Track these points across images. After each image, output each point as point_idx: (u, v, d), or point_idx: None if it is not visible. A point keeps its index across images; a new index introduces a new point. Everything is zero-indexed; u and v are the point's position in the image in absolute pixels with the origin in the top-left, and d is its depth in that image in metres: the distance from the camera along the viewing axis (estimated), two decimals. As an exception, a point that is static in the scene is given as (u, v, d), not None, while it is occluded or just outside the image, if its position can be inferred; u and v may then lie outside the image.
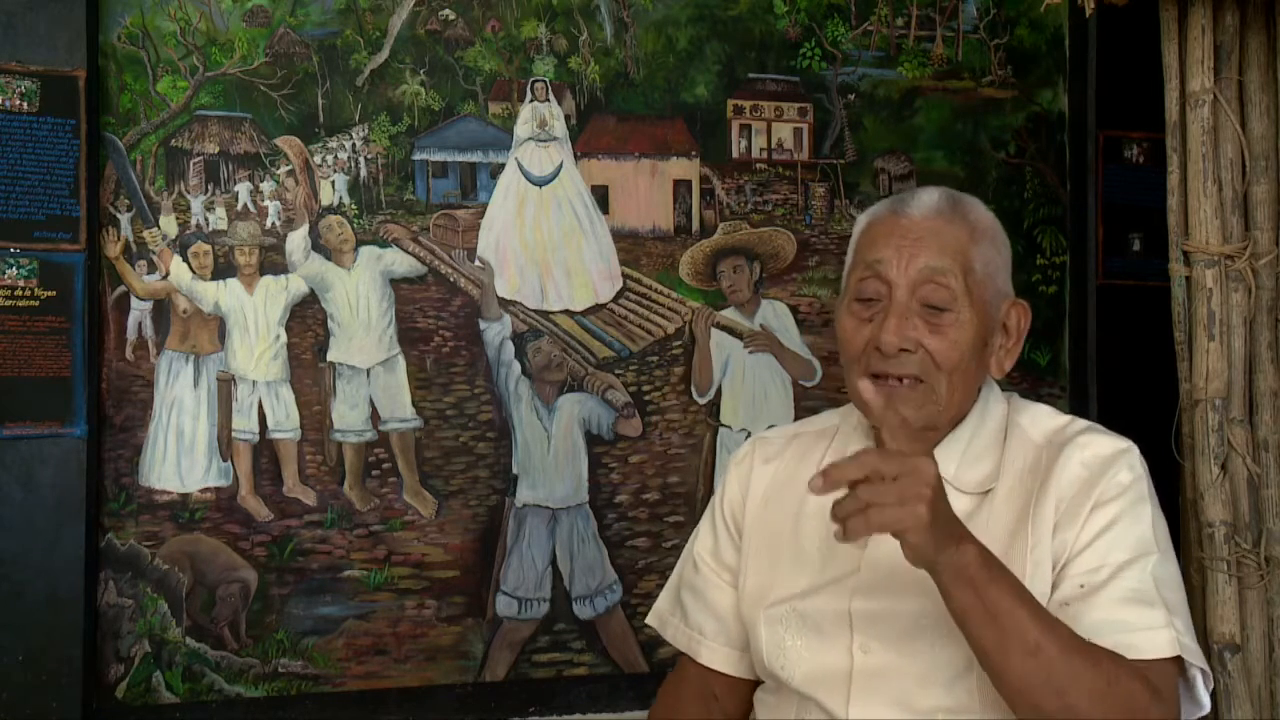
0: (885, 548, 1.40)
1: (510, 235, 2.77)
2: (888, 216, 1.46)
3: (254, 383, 2.64)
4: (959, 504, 1.41)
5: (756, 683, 1.57)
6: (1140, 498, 1.38)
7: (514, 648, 2.75)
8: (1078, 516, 1.36)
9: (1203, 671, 1.35)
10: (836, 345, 1.50)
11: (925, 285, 1.39)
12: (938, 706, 1.35)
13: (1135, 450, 1.42)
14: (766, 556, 1.51)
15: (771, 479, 1.56)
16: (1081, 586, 1.33)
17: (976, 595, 1.22)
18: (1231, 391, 2.16)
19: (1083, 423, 1.47)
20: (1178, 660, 1.32)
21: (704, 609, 1.57)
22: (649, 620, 1.65)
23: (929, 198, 1.45)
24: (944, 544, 1.19)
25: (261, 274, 2.64)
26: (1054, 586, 1.35)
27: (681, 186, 2.87)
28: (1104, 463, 1.39)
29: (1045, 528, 1.37)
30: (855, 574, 1.42)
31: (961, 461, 1.43)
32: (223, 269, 2.63)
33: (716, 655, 1.57)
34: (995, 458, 1.44)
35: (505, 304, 2.76)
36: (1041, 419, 1.48)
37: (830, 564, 1.45)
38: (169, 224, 2.59)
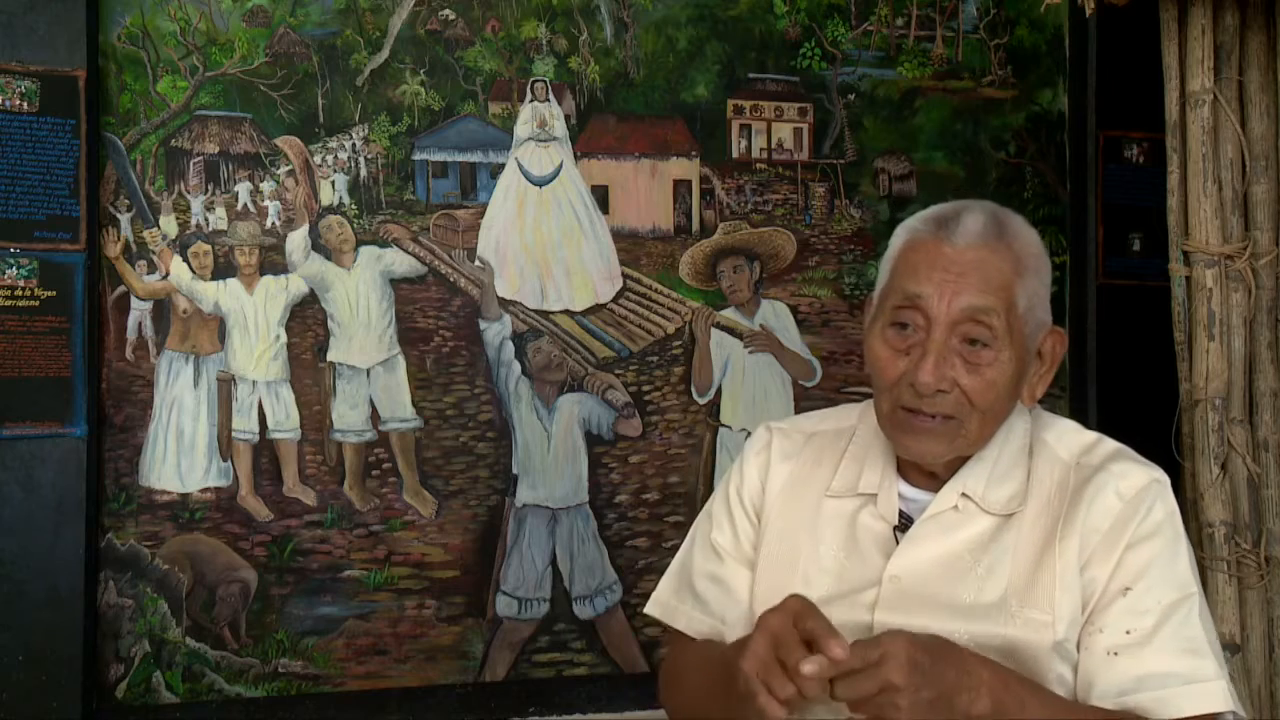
0: (908, 565, 1.39)
1: (510, 235, 2.77)
2: (930, 242, 1.39)
3: (254, 383, 2.64)
4: (985, 525, 1.39)
5: None
6: (1176, 534, 1.37)
7: (514, 648, 2.75)
8: (1111, 553, 1.35)
9: (1235, 715, 1.35)
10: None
11: (966, 323, 1.35)
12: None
13: (1167, 481, 1.40)
14: (780, 555, 1.49)
15: (789, 477, 1.53)
16: (1128, 633, 1.32)
17: None
18: (1231, 391, 2.16)
19: (1112, 444, 1.45)
20: None
21: (728, 596, 1.53)
22: (650, 610, 1.60)
23: (974, 224, 1.38)
24: (942, 714, 1.20)
25: (261, 274, 2.64)
26: (1091, 622, 1.34)
27: (681, 186, 2.87)
28: (1138, 495, 1.37)
29: (1073, 553, 1.36)
30: (877, 586, 1.40)
31: (989, 481, 1.41)
32: (223, 269, 2.63)
33: None
34: (1021, 477, 1.42)
35: (505, 304, 2.76)
36: (1068, 436, 1.46)
37: (849, 575, 1.43)
38: (169, 224, 2.59)
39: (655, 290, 2.85)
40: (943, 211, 1.42)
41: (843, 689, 1.18)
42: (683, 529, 2.75)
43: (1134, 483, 1.38)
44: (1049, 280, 1.45)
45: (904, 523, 1.43)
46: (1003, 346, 1.36)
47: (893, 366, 1.39)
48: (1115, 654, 1.32)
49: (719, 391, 2.89)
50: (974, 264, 1.37)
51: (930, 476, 1.44)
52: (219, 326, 2.63)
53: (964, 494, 1.41)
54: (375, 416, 2.70)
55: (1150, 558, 1.34)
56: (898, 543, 1.41)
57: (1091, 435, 1.46)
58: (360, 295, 2.69)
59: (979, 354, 1.36)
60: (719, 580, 1.54)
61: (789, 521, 1.50)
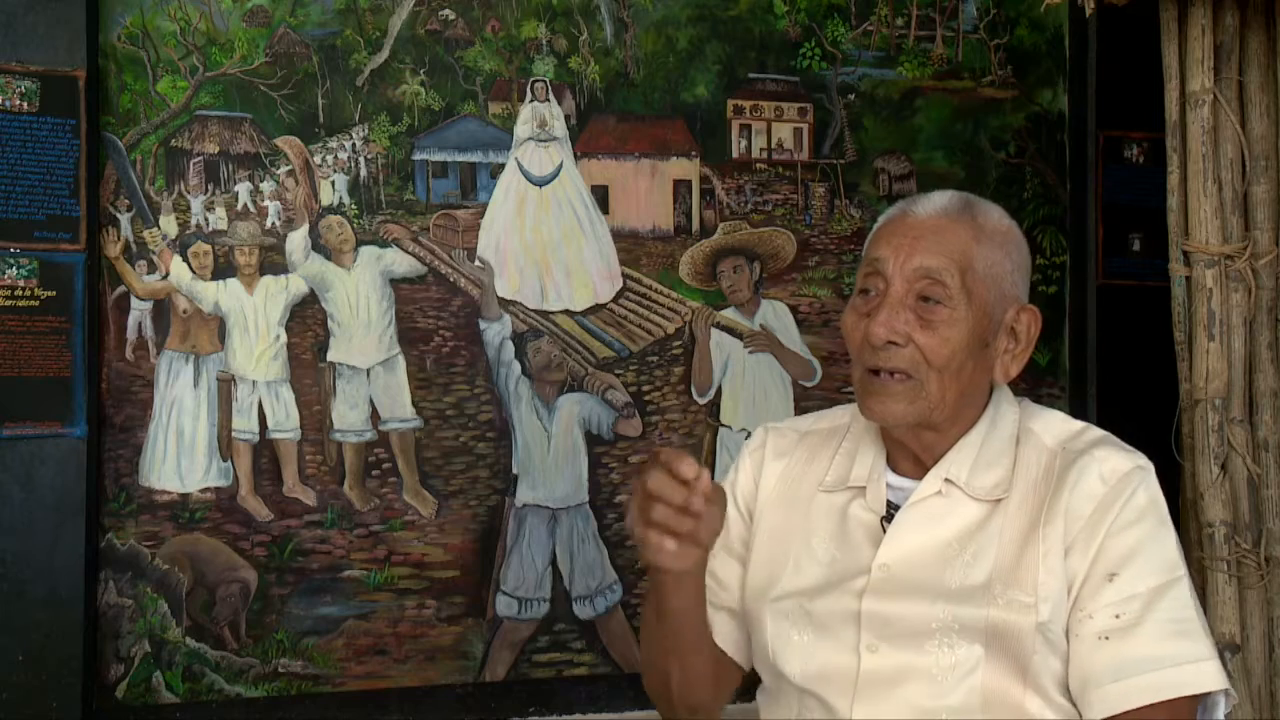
0: (897, 553, 1.41)
1: (510, 235, 2.77)
2: (897, 215, 1.46)
3: (254, 383, 2.64)
4: (972, 511, 1.41)
5: (741, 676, 1.57)
6: (1161, 519, 1.38)
7: (514, 648, 2.75)
8: (1094, 538, 1.36)
9: (1227, 693, 1.36)
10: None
11: (920, 282, 1.40)
12: (942, 706, 1.35)
13: (1150, 468, 1.42)
14: (773, 550, 1.52)
15: (782, 474, 1.57)
16: (1118, 617, 1.33)
17: None
18: (1231, 391, 2.16)
19: (1097, 432, 1.46)
20: None
21: (717, 587, 1.57)
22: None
23: (941, 198, 1.45)
24: None
25: (261, 274, 2.64)
26: (1079, 608, 1.35)
27: (681, 186, 2.87)
28: (1121, 481, 1.38)
29: (1057, 537, 1.37)
30: (866, 575, 1.42)
31: (974, 467, 1.43)
32: (223, 269, 2.63)
33: (726, 636, 1.58)
34: (1008, 464, 1.44)
35: (505, 304, 2.76)
36: (1054, 425, 1.48)
37: (839, 565, 1.45)
38: (169, 224, 2.59)
39: (655, 290, 2.85)
40: (919, 194, 1.49)
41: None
42: (683, 529, 2.76)
43: (1117, 467, 1.39)
44: (1024, 264, 1.47)
45: (892, 513, 1.44)
46: (958, 305, 1.39)
47: (857, 330, 1.43)
48: (1106, 638, 1.33)
49: (719, 391, 2.89)
50: (932, 229, 1.41)
51: (918, 465, 1.46)
52: (219, 326, 2.63)
53: (948, 479, 1.43)
54: (375, 416, 2.70)
55: (1136, 543, 1.35)
56: (885, 532, 1.43)
57: (1078, 424, 1.49)
58: (360, 295, 2.69)
59: (933, 310, 1.39)
60: (710, 573, 1.57)
61: (783, 515, 1.53)
